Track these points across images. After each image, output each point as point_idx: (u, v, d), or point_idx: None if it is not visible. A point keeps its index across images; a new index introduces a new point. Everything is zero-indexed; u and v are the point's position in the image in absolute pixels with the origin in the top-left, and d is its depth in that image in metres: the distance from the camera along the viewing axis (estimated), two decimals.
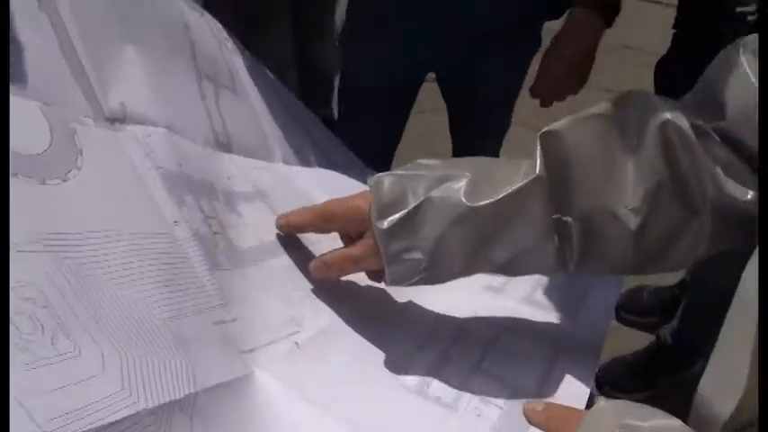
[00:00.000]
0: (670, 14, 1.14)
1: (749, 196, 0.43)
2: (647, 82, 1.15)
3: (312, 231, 0.52)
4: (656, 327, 1.48)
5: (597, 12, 0.92)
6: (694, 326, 1.32)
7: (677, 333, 1.39)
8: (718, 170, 0.43)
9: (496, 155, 1.17)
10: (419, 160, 0.49)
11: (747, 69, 0.43)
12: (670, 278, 1.55)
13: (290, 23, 1.36)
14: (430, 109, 1.36)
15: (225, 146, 0.55)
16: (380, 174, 0.48)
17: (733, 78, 0.43)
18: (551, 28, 1.04)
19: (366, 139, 1.04)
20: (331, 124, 1.25)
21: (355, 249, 0.48)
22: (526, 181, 0.45)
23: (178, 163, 0.47)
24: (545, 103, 1.03)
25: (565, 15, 0.99)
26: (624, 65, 1.89)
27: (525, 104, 1.11)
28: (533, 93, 1.03)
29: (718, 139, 0.44)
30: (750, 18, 0.86)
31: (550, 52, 0.99)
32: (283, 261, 0.50)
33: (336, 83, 1.29)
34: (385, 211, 0.46)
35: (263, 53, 1.28)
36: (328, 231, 0.52)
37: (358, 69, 1.08)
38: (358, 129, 1.07)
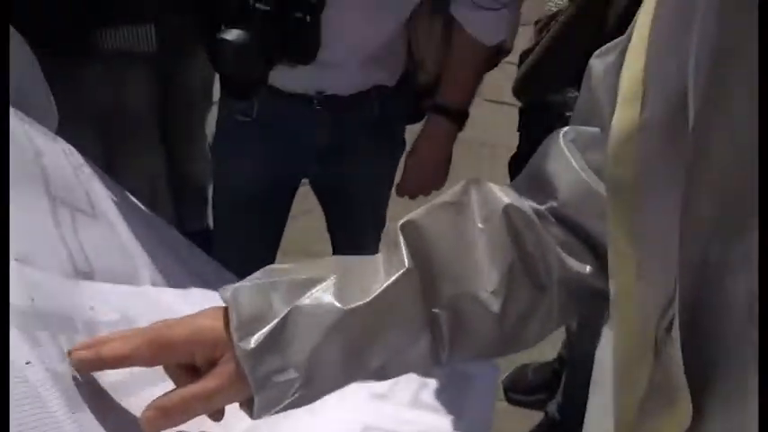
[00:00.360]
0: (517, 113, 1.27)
1: (588, 270, 0.46)
2: (503, 175, 1.25)
3: (139, 365, 0.42)
4: (545, 403, 1.52)
5: (450, 118, 1.02)
6: (576, 399, 1.38)
7: (562, 407, 1.43)
8: (559, 248, 0.46)
9: (375, 251, 1.19)
10: (272, 266, 0.45)
11: (569, 155, 0.47)
12: (550, 353, 1.61)
13: (158, 138, 1.35)
14: (308, 211, 1.38)
15: (86, 273, 0.52)
16: (235, 285, 0.42)
17: (558, 165, 0.47)
18: (414, 130, 1.12)
19: (243, 250, 1.03)
20: (206, 237, 1.23)
21: (209, 382, 0.40)
22: (397, 275, 0.43)
23: (30, 297, 0.43)
24: (412, 200, 1.09)
25: (423, 120, 1.07)
26: (481, 160, 2.07)
27: (399, 201, 1.16)
28: (399, 192, 1.09)
29: (554, 220, 0.47)
30: None
31: (412, 155, 1.07)
32: (154, 392, 0.47)
33: (210, 194, 1.28)
34: (248, 328, 0.40)
35: (132, 170, 1.25)
36: (160, 363, 0.42)
37: (230, 181, 1.08)
38: (234, 240, 1.05)
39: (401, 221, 0.46)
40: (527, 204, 0.47)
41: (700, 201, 0.32)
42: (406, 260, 0.44)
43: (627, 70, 0.37)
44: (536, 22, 1.20)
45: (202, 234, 1.40)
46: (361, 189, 1.10)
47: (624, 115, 0.36)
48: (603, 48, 0.45)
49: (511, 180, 1.33)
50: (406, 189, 1.08)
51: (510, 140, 1.29)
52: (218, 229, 1.14)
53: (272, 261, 1.17)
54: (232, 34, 0.84)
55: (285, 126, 1.01)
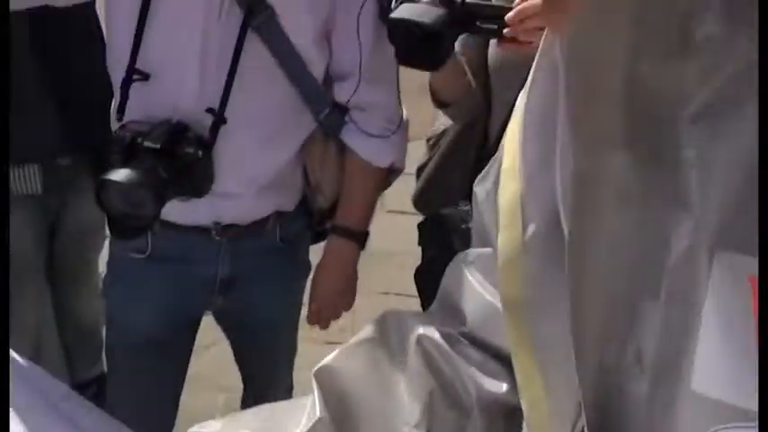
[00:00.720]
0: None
1: (504, 389, 0.47)
2: (411, 284, 1.26)
3: None
4: None
5: (350, 238, 1.03)
6: None
7: None
8: (474, 370, 0.47)
9: (289, 377, 1.15)
10: (193, 428, 0.46)
11: (472, 279, 0.49)
12: None
13: (44, 280, 1.26)
14: (215, 342, 1.31)
15: None
16: None
17: (463, 289, 0.49)
18: (319, 249, 1.11)
19: (141, 399, 0.95)
20: (100, 386, 1.13)
21: None
22: (308, 428, 0.44)
23: None
24: (323, 325, 1.07)
25: (325, 241, 1.08)
26: (391, 269, 2.09)
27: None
28: (310, 320, 1.07)
29: (468, 343, 0.48)
30: None
31: (316, 279, 1.06)
32: None
33: (103, 338, 1.19)
34: None
35: (14, 318, 1.15)
36: None
37: (125, 323, 1.02)
38: (131, 388, 0.98)
39: (316, 368, 0.47)
40: (437, 332, 0.48)
41: (586, 310, 0.33)
42: (318, 410, 0.44)
43: (503, 195, 0.40)
44: (428, 140, 1.27)
45: (95, 382, 1.29)
46: (268, 316, 1.07)
47: (507, 238, 0.38)
48: (481, 174, 0.47)
49: (418, 289, 1.34)
50: (315, 315, 1.07)
51: (416, 249, 1.31)
52: (113, 376, 1.05)
53: (175, 408, 1.08)
54: (119, 174, 0.82)
55: (183, 260, 0.98)
